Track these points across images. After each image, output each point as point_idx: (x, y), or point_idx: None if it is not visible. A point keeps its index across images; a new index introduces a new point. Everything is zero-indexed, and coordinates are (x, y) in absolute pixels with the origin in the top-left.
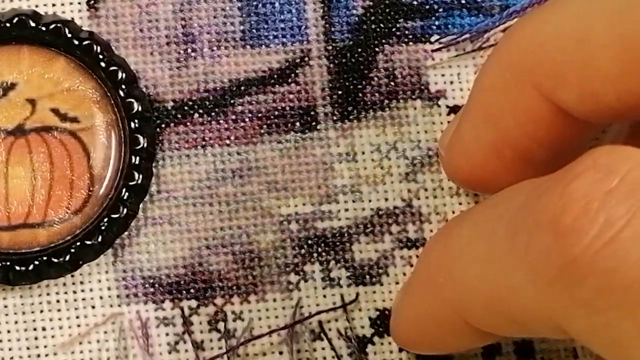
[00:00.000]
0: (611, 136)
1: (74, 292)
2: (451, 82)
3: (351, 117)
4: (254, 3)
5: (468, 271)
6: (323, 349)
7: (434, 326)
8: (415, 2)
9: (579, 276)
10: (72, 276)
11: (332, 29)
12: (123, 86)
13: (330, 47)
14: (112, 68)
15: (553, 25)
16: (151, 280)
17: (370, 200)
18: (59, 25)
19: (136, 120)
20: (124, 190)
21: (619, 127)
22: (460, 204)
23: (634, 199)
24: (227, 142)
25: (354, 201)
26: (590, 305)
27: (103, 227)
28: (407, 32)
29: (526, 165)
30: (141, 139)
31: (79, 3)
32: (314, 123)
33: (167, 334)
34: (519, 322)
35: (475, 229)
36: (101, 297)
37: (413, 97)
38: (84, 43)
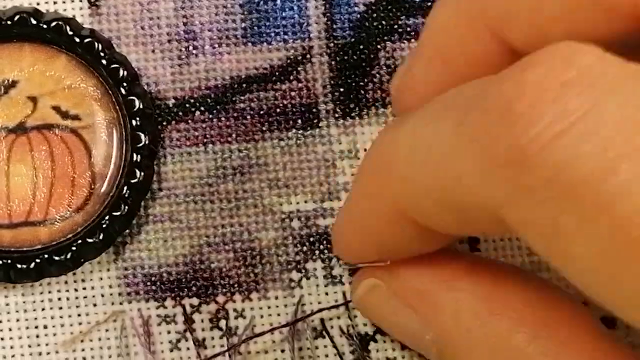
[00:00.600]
0: None
1: (76, 290)
2: None
3: (353, 114)
4: (256, 0)
5: (413, 162)
6: (325, 346)
7: (378, 230)
8: None
9: (525, 165)
10: (74, 274)
11: (334, 26)
12: (124, 84)
13: (332, 44)
14: (113, 66)
15: None
16: (153, 278)
17: None
18: (60, 22)
19: (137, 118)
20: (125, 187)
21: None
22: None
23: (591, 93)
24: (229, 139)
25: None
26: (533, 196)
27: (104, 225)
28: (409, 29)
29: None
30: (142, 136)
31: (80, 1)
32: (315, 120)
33: (168, 332)
34: (462, 213)
35: (421, 120)
36: (103, 295)
37: None
38: (85, 41)
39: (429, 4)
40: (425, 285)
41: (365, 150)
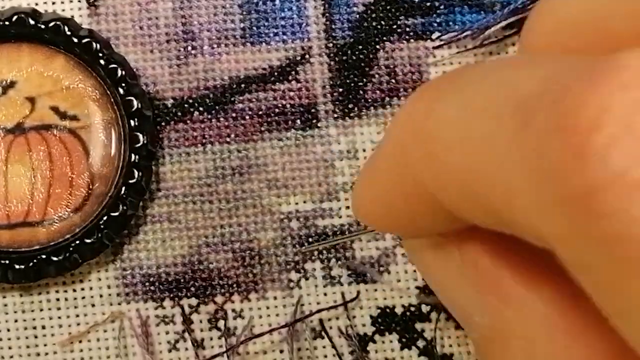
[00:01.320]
0: None
1: (74, 290)
2: None
3: (352, 114)
4: (255, 1)
5: (453, 153)
6: (324, 347)
7: (402, 204)
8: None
9: (596, 212)
10: (72, 274)
11: (333, 26)
12: (123, 84)
13: (331, 45)
14: (111, 66)
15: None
16: (151, 279)
17: None
18: (58, 23)
19: (136, 118)
20: (123, 188)
21: None
22: None
23: None
24: (227, 139)
25: None
26: (595, 244)
27: (103, 226)
28: (408, 29)
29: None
30: (141, 136)
31: (79, 1)
32: (314, 120)
33: (167, 332)
34: (500, 219)
35: (469, 108)
36: (101, 296)
37: None
38: (84, 41)
39: (428, 4)
40: (497, 274)
41: (364, 150)
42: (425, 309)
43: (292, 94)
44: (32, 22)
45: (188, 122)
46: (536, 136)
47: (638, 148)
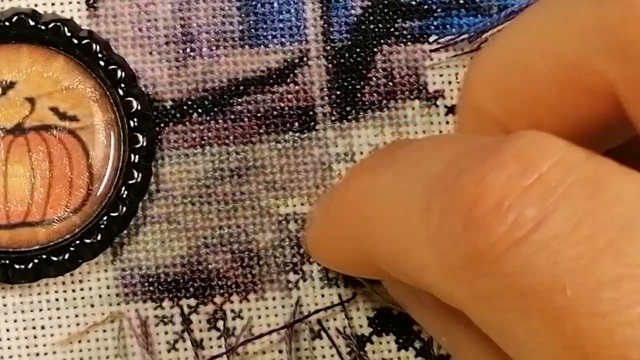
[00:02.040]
0: None
1: (73, 290)
2: (449, 82)
3: (349, 117)
4: (253, 3)
5: (380, 223)
6: (322, 347)
7: (344, 254)
8: (413, 2)
9: (481, 272)
10: (72, 275)
11: (331, 29)
12: (122, 85)
13: (328, 47)
14: (111, 67)
15: (494, 59)
16: (150, 279)
17: None
18: (58, 24)
19: (135, 119)
20: (123, 189)
21: None
22: None
23: (545, 202)
24: (226, 141)
25: None
26: (489, 302)
27: (102, 226)
28: (405, 32)
29: None
30: (140, 137)
31: (78, 2)
32: (312, 123)
33: (166, 333)
34: (422, 286)
35: (395, 181)
36: (100, 296)
37: (411, 97)
38: (83, 42)
39: (425, 7)
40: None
41: (361, 153)
42: None
43: (290, 96)
44: (31, 23)
45: (187, 123)
46: (438, 210)
47: (510, 218)
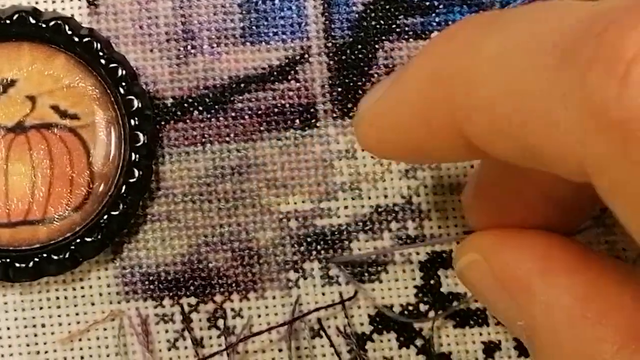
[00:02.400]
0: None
1: (74, 289)
2: None
3: (351, 114)
4: (254, 0)
5: (492, 80)
6: (322, 346)
7: (422, 127)
8: None
9: (634, 137)
10: (72, 273)
11: (332, 26)
12: (123, 83)
13: (330, 44)
14: (112, 65)
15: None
16: (151, 277)
17: (369, 198)
18: (59, 22)
19: (136, 117)
20: (123, 187)
21: None
22: (459, 201)
23: None
24: (227, 139)
25: (353, 198)
26: (633, 168)
27: (103, 224)
28: (407, 28)
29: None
30: (141, 136)
31: (79, 0)
32: (313, 120)
33: (166, 331)
34: (533, 152)
35: (510, 43)
36: (101, 294)
37: None
38: (84, 40)
39: (427, 3)
40: (523, 272)
41: (362, 150)
42: (423, 308)
43: (291, 93)
44: (32, 21)
45: (188, 121)
46: (579, 67)
47: None
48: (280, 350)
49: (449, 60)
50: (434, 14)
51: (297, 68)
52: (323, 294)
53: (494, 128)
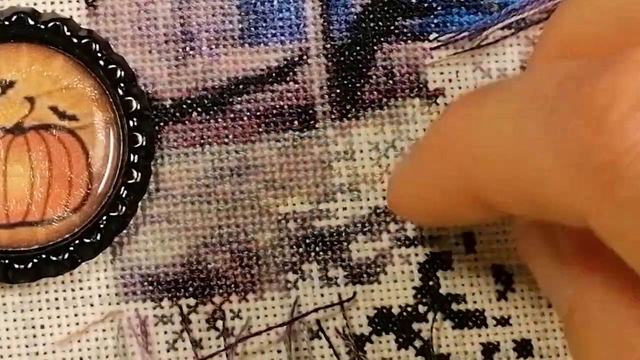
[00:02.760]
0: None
1: (73, 290)
2: (450, 80)
3: (349, 115)
4: (253, 1)
5: (490, 147)
6: (321, 347)
7: (440, 196)
8: (413, 0)
9: (619, 177)
10: (71, 274)
11: (331, 27)
12: (122, 84)
13: (328, 46)
14: (110, 66)
15: (594, 4)
16: (150, 279)
17: (368, 199)
18: (57, 23)
19: (135, 119)
20: (122, 188)
21: None
22: None
23: None
24: (226, 140)
25: (352, 200)
26: (625, 207)
27: (102, 225)
28: (405, 30)
29: None
30: (140, 137)
31: (78, 1)
32: (312, 121)
33: (165, 332)
34: (536, 206)
35: (503, 105)
36: (100, 295)
37: (411, 95)
38: (83, 41)
39: (425, 5)
40: (581, 252)
41: (361, 151)
42: (422, 309)
43: (289, 94)
44: (31, 22)
45: (186, 122)
46: (561, 121)
47: None
48: (279, 352)
49: (453, 134)
50: (432, 16)
51: (295, 69)
52: (322, 295)
53: (502, 191)
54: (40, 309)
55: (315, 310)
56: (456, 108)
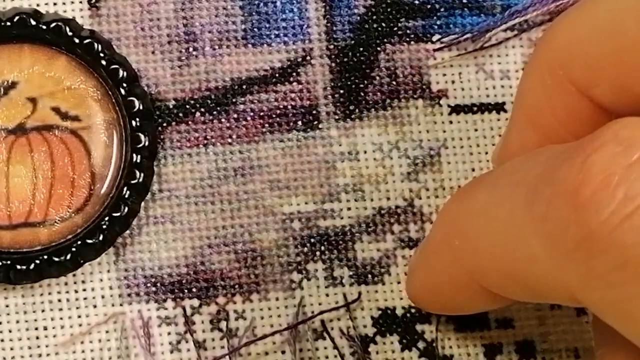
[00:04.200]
0: None
1: (75, 291)
2: (453, 82)
3: (353, 116)
4: (256, 2)
5: (484, 236)
6: (325, 348)
7: (449, 287)
8: (417, 2)
9: (596, 249)
10: (74, 275)
11: (334, 28)
12: (124, 85)
13: (332, 46)
14: (113, 66)
15: (585, 21)
16: (153, 279)
17: (372, 200)
18: (60, 23)
19: (137, 119)
20: (125, 188)
21: None
22: None
23: None
24: (229, 140)
25: (356, 200)
26: (606, 279)
27: (104, 226)
28: (408, 31)
29: None
30: (142, 137)
31: (80, 2)
32: (316, 122)
33: (169, 333)
34: (533, 289)
35: (493, 194)
36: (103, 296)
37: (415, 96)
38: (85, 42)
39: (428, 6)
40: None
41: (365, 152)
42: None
43: (293, 95)
44: (33, 22)
45: (190, 123)
46: (542, 204)
47: (620, 193)
48: (283, 352)
49: (453, 226)
50: (435, 17)
51: (299, 70)
52: (327, 295)
53: (500, 277)
54: (42, 310)
55: (321, 313)
56: (453, 201)
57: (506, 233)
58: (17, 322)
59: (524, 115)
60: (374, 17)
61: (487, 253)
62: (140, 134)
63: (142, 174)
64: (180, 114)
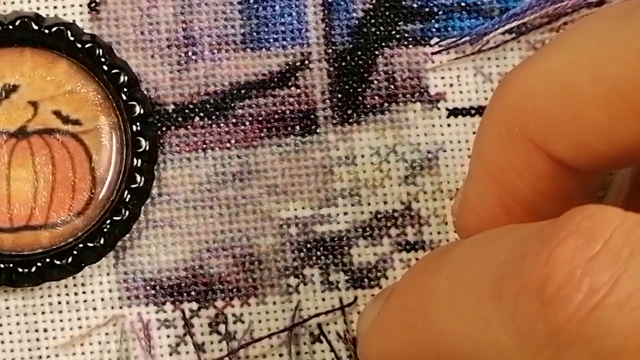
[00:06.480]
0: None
1: (76, 293)
2: (451, 85)
3: (351, 120)
4: (255, 6)
5: (447, 322)
6: (322, 351)
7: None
8: (415, 5)
9: (565, 344)
10: (74, 278)
11: (332, 32)
12: (125, 89)
13: (330, 50)
14: (113, 71)
15: (537, 77)
16: (152, 283)
17: (369, 204)
18: (61, 28)
19: (138, 123)
20: (125, 192)
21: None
22: None
23: (616, 264)
24: (228, 145)
25: (353, 205)
26: None
27: (105, 230)
28: (406, 35)
29: (536, 217)
30: (143, 141)
31: (81, 6)
32: (313, 126)
33: (168, 336)
34: None
35: (456, 280)
36: (103, 299)
37: (413, 100)
38: (86, 46)
39: (427, 9)
40: None
41: (362, 156)
42: None
43: (291, 99)
44: (34, 26)
45: (189, 127)
46: (509, 300)
47: (584, 286)
48: (280, 355)
49: (414, 306)
50: (433, 20)
51: (297, 74)
52: (323, 300)
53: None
54: (43, 313)
55: (317, 315)
56: (412, 277)
57: (474, 323)
58: (18, 324)
59: (482, 171)
60: (372, 20)
61: (450, 338)
62: (140, 138)
63: (142, 178)
64: (180, 118)
